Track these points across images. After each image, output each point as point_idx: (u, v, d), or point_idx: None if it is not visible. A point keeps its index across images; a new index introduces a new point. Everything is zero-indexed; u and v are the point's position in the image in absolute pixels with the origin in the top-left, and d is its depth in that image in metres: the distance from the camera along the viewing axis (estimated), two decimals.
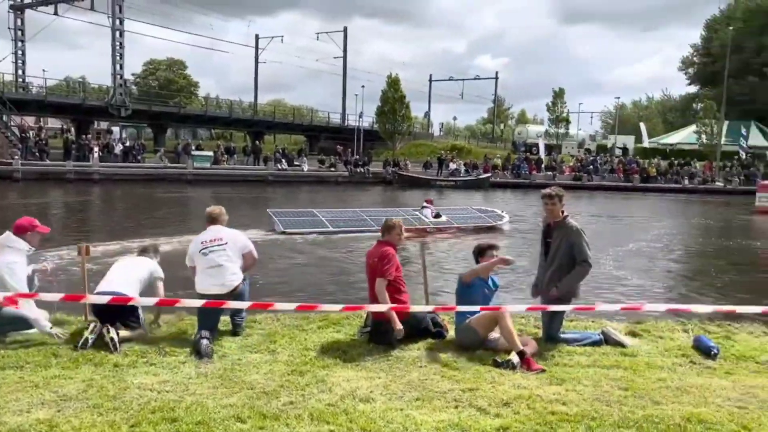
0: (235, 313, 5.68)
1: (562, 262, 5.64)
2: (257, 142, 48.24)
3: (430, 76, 73.27)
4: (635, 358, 5.29)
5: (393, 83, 46.72)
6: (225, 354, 5.10)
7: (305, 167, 40.52)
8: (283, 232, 15.57)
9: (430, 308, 5.43)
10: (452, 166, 43.29)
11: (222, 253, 5.62)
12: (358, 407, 3.95)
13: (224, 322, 5.67)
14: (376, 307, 5.34)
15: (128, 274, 5.64)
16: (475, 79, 75.08)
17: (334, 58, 61.47)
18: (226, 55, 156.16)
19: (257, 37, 62.38)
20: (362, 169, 41.02)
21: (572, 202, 28.71)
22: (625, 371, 4.90)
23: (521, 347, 5.08)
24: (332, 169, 41.47)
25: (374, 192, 35.24)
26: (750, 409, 4.12)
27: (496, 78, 74.42)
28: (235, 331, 5.64)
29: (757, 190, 29.62)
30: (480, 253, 5.87)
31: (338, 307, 5.09)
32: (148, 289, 5.76)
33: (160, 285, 5.88)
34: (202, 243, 5.70)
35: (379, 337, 5.44)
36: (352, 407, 3.94)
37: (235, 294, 5.51)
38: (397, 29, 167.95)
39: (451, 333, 5.74)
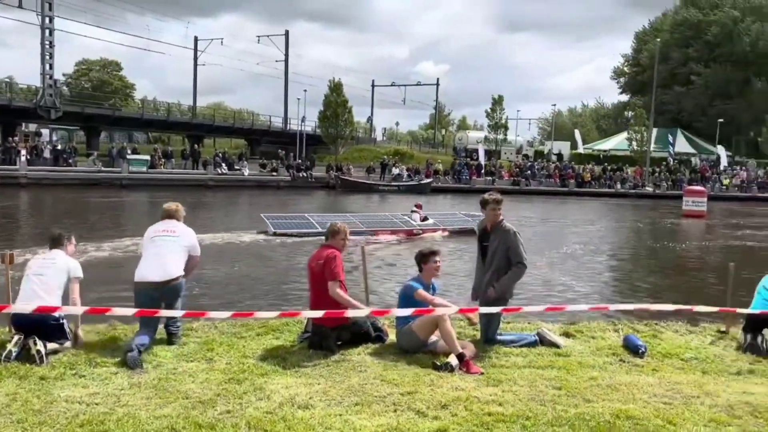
0: (170, 322, 5.53)
1: (500, 265, 5.77)
2: (196, 145, 47.24)
3: (373, 81, 73.64)
4: (569, 357, 5.45)
5: (335, 88, 46.65)
6: (159, 363, 4.95)
7: (246, 171, 39.93)
8: (275, 233, 16.45)
9: (365, 312, 5.41)
10: (395, 170, 43.58)
11: (171, 245, 5.54)
12: (296, 414, 3.91)
13: (159, 331, 5.51)
14: (312, 313, 5.32)
15: (45, 286, 5.20)
16: (416, 85, 75.99)
17: (276, 61, 61.06)
18: (164, 57, 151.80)
19: (196, 39, 61.20)
20: (305, 174, 40.75)
21: (511, 207, 29.36)
22: (559, 371, 5.05)
23: (460, 350, 5.15)
24: (274, 173, 41.00)
25: (317, 196, 35.07)
26: (674, 404, 4.31)
27: (437, 84, 75.49)
28: (170, 340, 5.49)
29: (684, 195, 31.09)
30: (422, 259, 5.88)
31: (274, 314, 5.03)
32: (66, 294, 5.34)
33: (76, 288, 5.36)
34: (155, 231, 5.63)
35: (319, 342, 5.42)
36: (290, 414, 3.90)
37: (171, 286, 5.38)
38: (339, 34, 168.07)
39: (392, 337, 5.77)
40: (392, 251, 15.43)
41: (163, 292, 5.40)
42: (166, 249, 5.49)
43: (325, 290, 5.41)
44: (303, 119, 56.17)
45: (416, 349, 5.46)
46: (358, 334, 5.60)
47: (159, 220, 5.78)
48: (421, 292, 5.55)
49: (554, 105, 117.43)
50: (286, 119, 61.02)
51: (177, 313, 5.24)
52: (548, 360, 5.36)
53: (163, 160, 38.93)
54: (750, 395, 4.54)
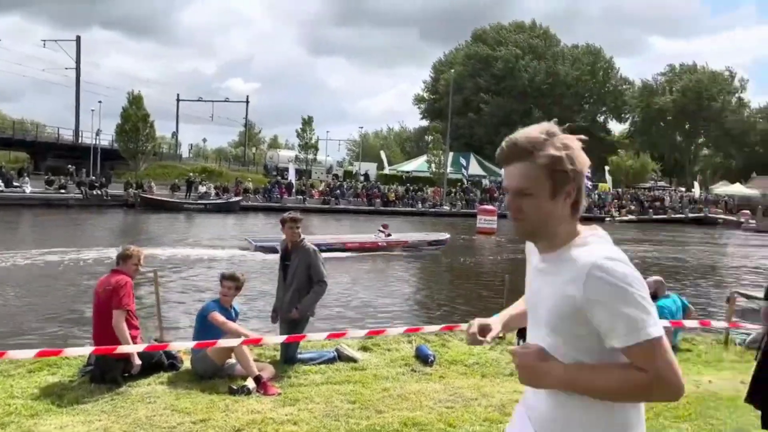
0: None
1: (301, 284, 5.84)
2: None
3: (178, 95, 70.43)
4: (365, 371, 5.65)
5: (135, 100, 43.76)
6: None
7: (28, 189, 35.68)
8: (257, 248, 18.62)
9: (140, 348, 4.95)
10: (202, 188, 41.95)
11: None
12: None
13: None
14: (78, 350, 4.88)
15: None
16: (225, 101, 74.25)
17: (66, 69, 55.72)
18: None
19: None
20: (99, 191, 37.52)
21: (321, 225, 29.83)
22: (354, 385, 5.21)
23: (257, 372, 5.09)
24: (62, 190, 37.17)
25: (113, 216, 32.45)
26: (456, 407, 4.67)
27: (247, 102, 74.46)
28: None
29: (477, 214, 33.98)
30: (221, 279, 5.76)
31: (31, 353, 4.52)
32: None
33: None
34: None
35: (103, 375, 5.00)
36: None
37: None
38: (141, 44, 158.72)
39: (188, 363, 5.52)
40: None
41: None
42: None
43: (110, 318, 5.02)
44: (98, 132, 51.72)
45: (212, 374, 5.28)
46: (148, 364, 5.27)
47: None
48: (215, 314, 5.39)
49: (361, 127, 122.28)
50: (77, 132, 55.76)
51: None
52: (345, 375, 5.51)
53: None
54: (519, 393, 5.05)
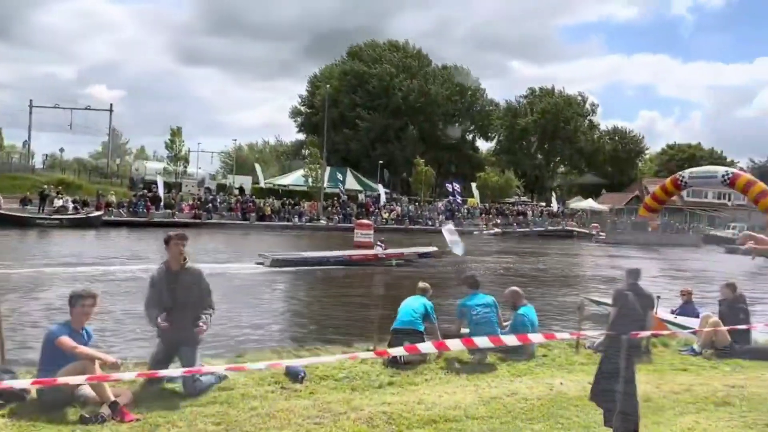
0: None
1: (197, 303, 5.68)
2: None
3: (31, 101, 64.79)
4: (232, 391, 5.48)
5: None
6: None
7: None
8: (272, 262, 19.81)
9: None
10: (58, 202, 38.84)
11: None
12: None
13: None
14: None
15: None
16: (86, 109, 69.28)
17: None
18: None
19: None
20: None
21: (192, 240, 28.62)
22: (221, 406, 5.04)
23: (113, 398, 4.78)
24: None
25: None
26: (324, 423, 4.66)
27: (111, 110, 70.11)
28: None
29: (355, 228, 34.28)
30: (70, 301, 5.34)
31: None
32: None
33: None
34: None
35: None
36: None
37: None
38: None
39: (35, 392, 5.06)
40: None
41: None
42: None
43: None
44: None
45: (63, 402, 4.89)
46: None
47: None
48: (63, 339, 4.98)
49: (235, 140, 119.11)
50: None
51: None
52: (211, 396, 5.32)
53: None
54: (387, 405, 5.16)
